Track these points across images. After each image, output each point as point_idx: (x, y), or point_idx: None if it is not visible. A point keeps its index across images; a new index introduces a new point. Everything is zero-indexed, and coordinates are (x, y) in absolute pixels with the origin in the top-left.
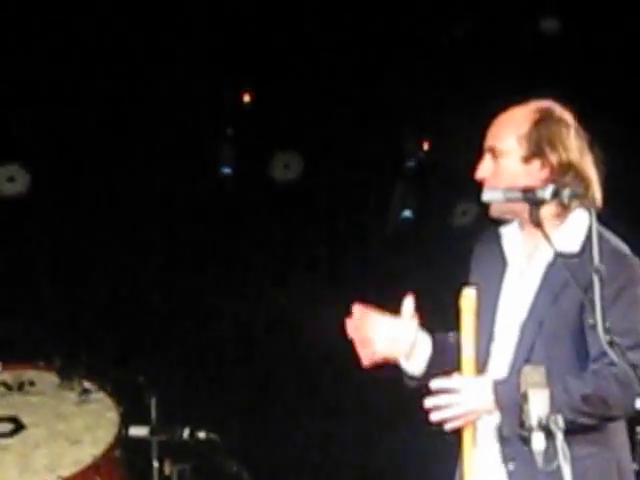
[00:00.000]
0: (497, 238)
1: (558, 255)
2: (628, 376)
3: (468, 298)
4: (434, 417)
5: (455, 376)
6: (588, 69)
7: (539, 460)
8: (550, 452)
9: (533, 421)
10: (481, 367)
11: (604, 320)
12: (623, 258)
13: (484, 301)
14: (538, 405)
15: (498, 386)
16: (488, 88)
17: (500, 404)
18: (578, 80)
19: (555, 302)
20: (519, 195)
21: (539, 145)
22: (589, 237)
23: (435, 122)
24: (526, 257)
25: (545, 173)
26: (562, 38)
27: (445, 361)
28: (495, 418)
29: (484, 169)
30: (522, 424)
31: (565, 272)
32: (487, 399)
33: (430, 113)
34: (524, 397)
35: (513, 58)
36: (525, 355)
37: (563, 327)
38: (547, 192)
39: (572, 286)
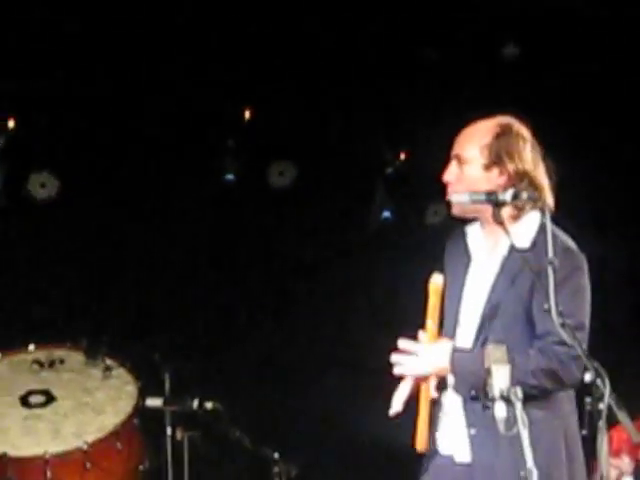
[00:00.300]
0: (463, 236)
1: (513, 249)
2: (570, 353)
3: (435, 282)
4: (395, 371)
5: (420, 338)
6: (542, 89)
7: (501, 427)
8: (510, 419)
9: (496, 392)
10: None
11: (557, 305)
12: (570, 252)
13: (451, 291)
14: (500, 379)
15: (455, 353)
16: (455, 106)
17: (453, 368)
18: (533, 99)
19: (511, 287)
20: (483, 197)
21: (499, 155)
22: (539, 234)
23: (410, 136)
24: (486, 251)
25: (503, 180)
26: (519, 62)
27: None
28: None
29: (450, 173)
30: (486, 395)
31: (519, 263)
32: (443, 362)
33: (406, 129)
34: (488, 372)
35: (478, 79)
36: (485, 334)
37: (518, 310)
38: (508, 195)
39: (525, 274)
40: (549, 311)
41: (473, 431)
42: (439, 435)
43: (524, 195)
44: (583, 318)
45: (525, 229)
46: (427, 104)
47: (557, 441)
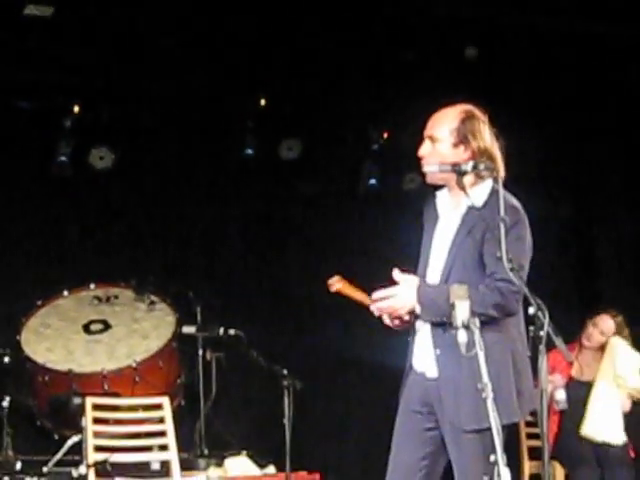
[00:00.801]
0: (433, 199)
1: (470, 208)
2: (511, 288)
3: (335, 284)
4: (376, 313)
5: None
6: (499, 84)
7: (462, 349)
8: (470, 343)
9: (458, 322)
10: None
11: (507, 253)
12: (514, 209)
13: (425, 241)
14: (462, 311)
15: (421, 287)
16: (429, 97)
17: (419, 299)
18: (491, 91)
19: (467, 236)
20: (449, 168)
21: (465, 136)
22: (491, 196)
23: (392, 118)
24: (450, 210)
25: (467, 155)
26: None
27: None
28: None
29: (424, 150)
30: (450, 324)
31: (474, 218)
32: (412, 296)
33: (389, 114)
34: (452, 306)
35: (442, 75)
36: (448, 274)
37: (474, 255)
38: (469, 166)
39: (478, 227)
40: (501, 258)
41: (439, 351)
42: (414, 355)
43: (481, 166)
44: (523, 261)
45: (480, 192)
46: (406, 96)
47: (506, 359)
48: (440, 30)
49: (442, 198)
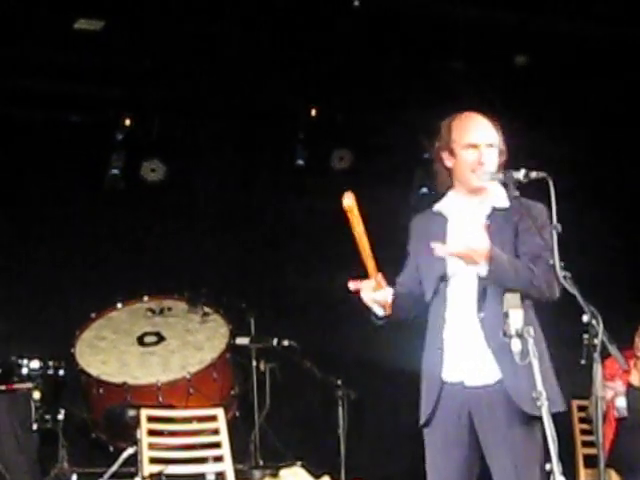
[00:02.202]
0: (430, 212)
1: (495, 209)
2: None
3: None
4: (441, 253)
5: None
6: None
7: (517, 358)
8: (524, 352)
9: (512, 331)
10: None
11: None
12: (544, 209)
13: (426, 245)
14: (516, 320)
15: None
16: (477, 105)
17: (491, 253)
18: (540, 98)
19: (501, 230)
20: (501, 177)
21: (501, 144)
22: (514, 199)
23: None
24: (467, 213)
25: (499, 162)
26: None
27: (398, 305)
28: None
29: (491, 158)
30: (504, 333)
31: (499, 219)
32: (486, 242)
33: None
34: (506, 315)
35: (491, 83)
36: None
37: (509, 247)
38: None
39: (507, 227)
40: (554, 266)
41: (482, 315)
42: (445, 367)
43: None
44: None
45: (499, 193)
46: (454, 103)
47: (543, 354)
48: (487, 38)
49: (451, 200)
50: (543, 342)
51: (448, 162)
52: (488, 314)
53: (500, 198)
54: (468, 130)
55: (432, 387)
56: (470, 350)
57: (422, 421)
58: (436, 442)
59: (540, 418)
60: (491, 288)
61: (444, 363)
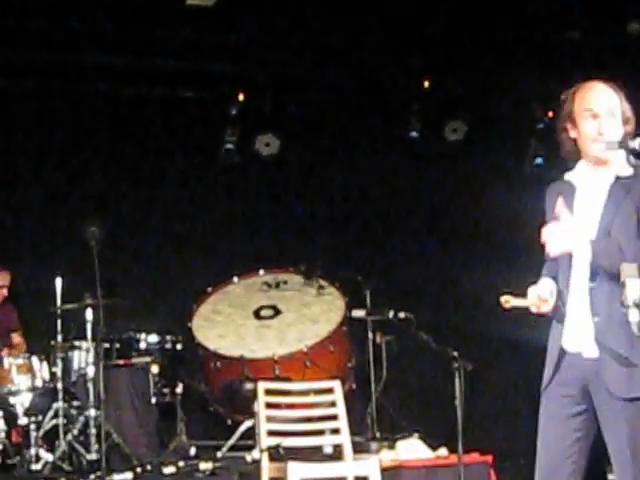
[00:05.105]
0: (561, 181)
1: (618, 177)
2: None
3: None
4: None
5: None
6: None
7: (635, 328)
8: None
9: (630, 301)
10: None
11: None
12: None
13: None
14: (633, 290)
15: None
16: (593, 74)
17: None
18: None
19: (623, 201)
20: (617, 146)
21: (626, 112)
22: (636, 168)
23: (557, 97)
24: (593, 182)
25: (624, 131)
26: None
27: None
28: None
29: (613, 127)
30: (622, 303)
31: (623, 186)
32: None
33: (554, 92)
34: (623, 285)
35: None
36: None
37: (628, 229)
38: (637, 143)
39: (633, 193)
40: None
41: (597, 319)
42: (564, 338)
43: None
44: None
45: (622, 163)
46: (570, 73)
47: None
48: (602, 8)
49: (578, 173)
50: None
51: (572, 132)
52: (599, 285)
53: (623, 167)
54: (588, 100)
55: (553, 354)
56: (587, 322)
57: (542, 387)
58: (550, 408)
59: None
60: None
61: (564, 333)
